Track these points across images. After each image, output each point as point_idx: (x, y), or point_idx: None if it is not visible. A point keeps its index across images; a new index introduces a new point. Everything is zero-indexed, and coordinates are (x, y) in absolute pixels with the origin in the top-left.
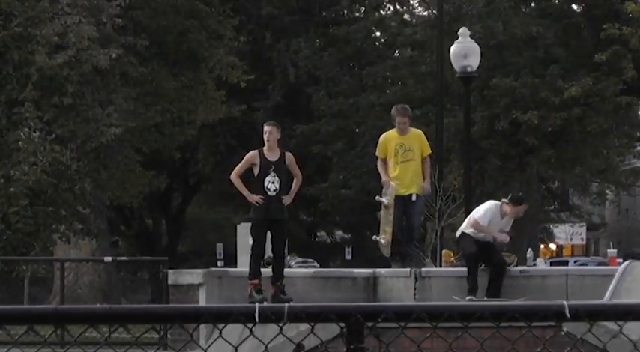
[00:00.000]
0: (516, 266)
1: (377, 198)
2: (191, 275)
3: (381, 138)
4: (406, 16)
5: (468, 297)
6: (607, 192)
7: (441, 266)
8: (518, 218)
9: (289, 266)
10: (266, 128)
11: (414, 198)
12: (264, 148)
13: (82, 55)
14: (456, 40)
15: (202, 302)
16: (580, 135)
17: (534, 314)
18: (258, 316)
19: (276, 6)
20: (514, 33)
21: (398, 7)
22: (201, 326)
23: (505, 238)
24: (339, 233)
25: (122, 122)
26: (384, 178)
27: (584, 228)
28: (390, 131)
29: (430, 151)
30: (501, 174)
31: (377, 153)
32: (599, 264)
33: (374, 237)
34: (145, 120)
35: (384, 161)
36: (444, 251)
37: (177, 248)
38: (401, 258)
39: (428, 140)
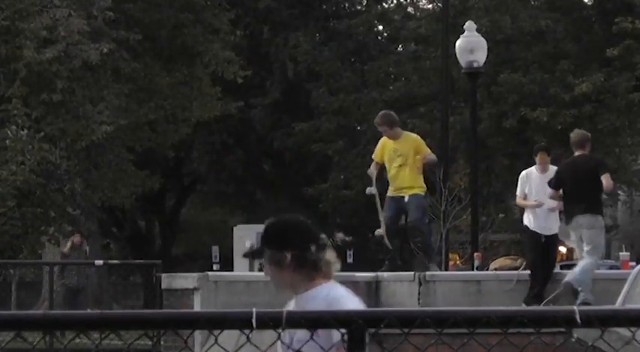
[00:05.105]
0: (524, 269)
1: (367, 190)
2: (185, 280)
3: (380, 141)
4: (410, 9)
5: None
6: (619, 192)
7: (446, 269)
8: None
9: None
10: None
11: (406, 199)
12: None
13: (72, 50)
14: (462, 34)
15: (197, 307)
16: (591, 134)
17: (543, 320)
18: (255, 322)
19: None
20: (522, 27)
21: None
22: (196, 332)
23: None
24: (339, 235)
25: (114, 119)
26: (370, 170)
27: None
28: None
29: (428, 151)
30: (509, 173)
31: (373, 156)
32: (611, 267)
33: (376, 231)
34: (137, 118)
35: (377, 164)
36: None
37: (171, 251)
38: (390, 262)
39: (431, 139)
